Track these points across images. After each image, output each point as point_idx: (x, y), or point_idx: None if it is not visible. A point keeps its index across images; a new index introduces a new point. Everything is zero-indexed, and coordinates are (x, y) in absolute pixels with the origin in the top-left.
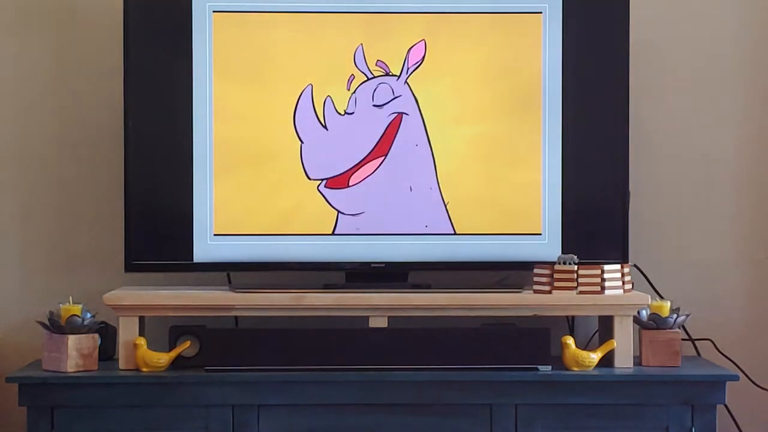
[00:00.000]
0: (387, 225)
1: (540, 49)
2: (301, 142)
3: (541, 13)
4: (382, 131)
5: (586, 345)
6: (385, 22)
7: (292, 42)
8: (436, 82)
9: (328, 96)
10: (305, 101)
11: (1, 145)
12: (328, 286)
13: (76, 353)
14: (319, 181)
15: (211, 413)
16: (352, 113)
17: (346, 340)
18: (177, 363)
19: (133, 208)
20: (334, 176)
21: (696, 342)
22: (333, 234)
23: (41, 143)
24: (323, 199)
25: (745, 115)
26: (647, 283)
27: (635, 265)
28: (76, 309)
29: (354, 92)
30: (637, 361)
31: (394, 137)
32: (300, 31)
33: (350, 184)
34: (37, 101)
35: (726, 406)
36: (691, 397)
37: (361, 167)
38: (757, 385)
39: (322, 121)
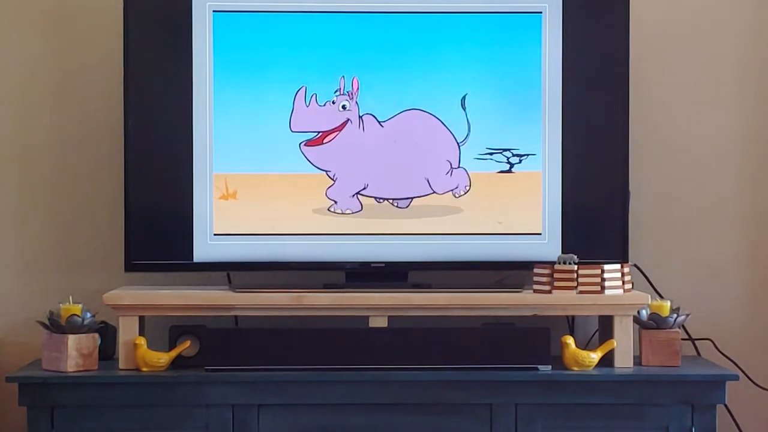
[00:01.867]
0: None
1: (540, 49)
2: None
3: (541, 13)
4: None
5: (586, 345)
6: (385, 23)
7: (292, 41)
8: (436, 82)
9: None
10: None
11: (1, 145)
12: (328, 286)
13: (76, 353)
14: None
15: (211, 413)
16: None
17: (346, 340)
18: (177, 363)
19: (133, 208)
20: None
21: (696, 342)
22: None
23: (41, 143)
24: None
25: (745, 114)
26: (647, 282)
27: (635, 265)
28: (76, 309)
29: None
30: (637, 360)
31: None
32: (300, 30)
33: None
34: (37, 101)
35: (726, 405)
36: (691, 396)
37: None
38: (757, 385)
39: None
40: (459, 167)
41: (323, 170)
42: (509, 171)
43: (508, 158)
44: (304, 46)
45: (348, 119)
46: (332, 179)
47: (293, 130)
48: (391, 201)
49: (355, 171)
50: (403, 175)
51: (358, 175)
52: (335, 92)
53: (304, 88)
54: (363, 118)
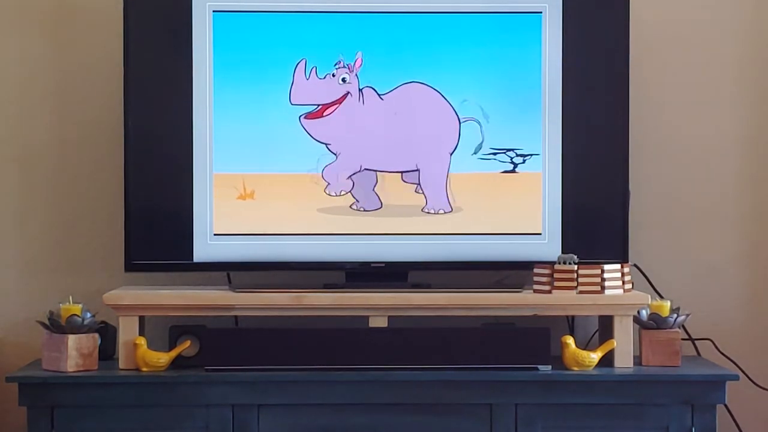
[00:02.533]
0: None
1: (540, 49)
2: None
3: (541, 12)
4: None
5: (586, 345)
6: (384, 23)
7: (292, 41)
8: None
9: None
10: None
11: (1, 145)
12: (328, 286)
13: (76, 353)
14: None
15: (211, 413)
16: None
17: (346, 340)
18: (177, 363)
19: (133, 208)
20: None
21: (696, 342)
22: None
23: (41, 143)
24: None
25: (745, 114)
26: (647, 282)
27: (635, 265)
28: (76, 309)
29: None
30: (637, 360)
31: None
32: (300, 30)
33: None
34: (37, 101)
35: (726, 405)
36: (691, 396)
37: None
38: (757, 385)
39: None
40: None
41: (323, 143)
42: (513, 171)
43: (511, 158)
44: (304, 46)
45: (348, 92)
46: (332, 153)
47: (293, 102)
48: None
49: (355, 144)
50: (403, 148)
51: (357, 148)
52: (335, 65)
53: (304, 61)
54: (363, 90)
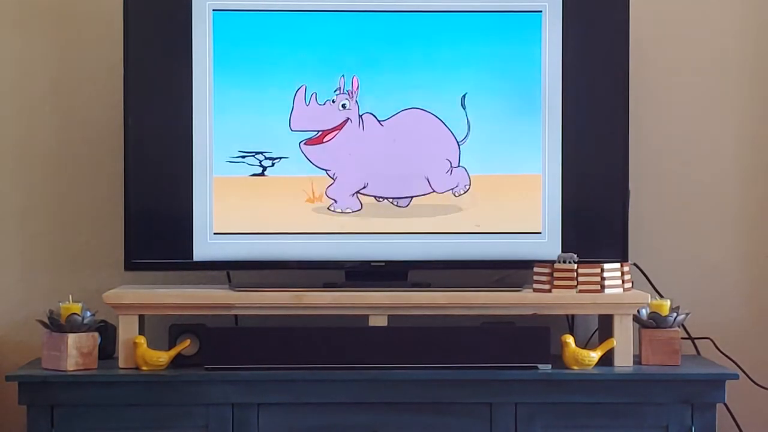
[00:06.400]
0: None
1: (540, 48)
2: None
3: (541, 12)
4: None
5: (585, 344)
6: (385, 21)
7: (292, 41)
8: (436, 81)
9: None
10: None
11: (1, 145)
12: (328, 285)
13: (75, 352)
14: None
15: (211, 412)
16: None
17: (345, 339)
18: (177, 361)
19: (133, 207)
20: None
21: (696, 341)
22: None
23: (41, 143)
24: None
25: (745, 114)
26: (647, 281)
27: (635, 264)
28: (76, 308)
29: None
30: (637, 359)
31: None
32: (300, 30)
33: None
34: (38, 101)
35: (726, 405)
36: (691, 396)
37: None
38: (757, 384)
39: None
40: (459, 166)
41: (323, 169)
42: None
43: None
44: (304, 45)
45: (348, 118)
46: (332, 178)
47: (293, 129)
48: (391, 200)
49: (355, 170)
50: (402, 173)
51: (358, 174)
52: (335, 91)
53: (303, 87)
54: (363, 117)
